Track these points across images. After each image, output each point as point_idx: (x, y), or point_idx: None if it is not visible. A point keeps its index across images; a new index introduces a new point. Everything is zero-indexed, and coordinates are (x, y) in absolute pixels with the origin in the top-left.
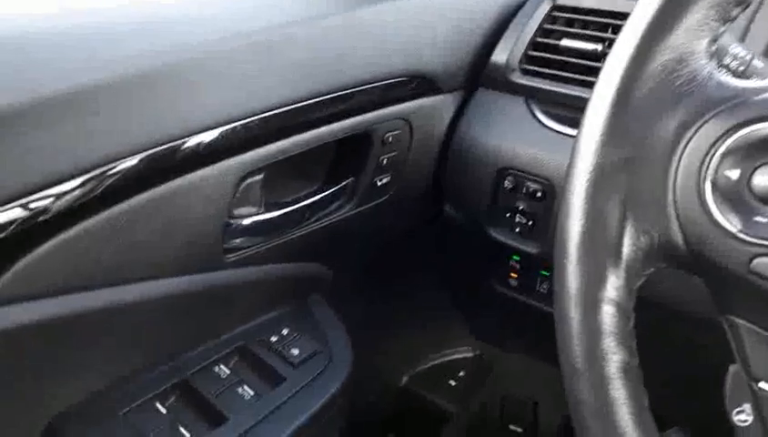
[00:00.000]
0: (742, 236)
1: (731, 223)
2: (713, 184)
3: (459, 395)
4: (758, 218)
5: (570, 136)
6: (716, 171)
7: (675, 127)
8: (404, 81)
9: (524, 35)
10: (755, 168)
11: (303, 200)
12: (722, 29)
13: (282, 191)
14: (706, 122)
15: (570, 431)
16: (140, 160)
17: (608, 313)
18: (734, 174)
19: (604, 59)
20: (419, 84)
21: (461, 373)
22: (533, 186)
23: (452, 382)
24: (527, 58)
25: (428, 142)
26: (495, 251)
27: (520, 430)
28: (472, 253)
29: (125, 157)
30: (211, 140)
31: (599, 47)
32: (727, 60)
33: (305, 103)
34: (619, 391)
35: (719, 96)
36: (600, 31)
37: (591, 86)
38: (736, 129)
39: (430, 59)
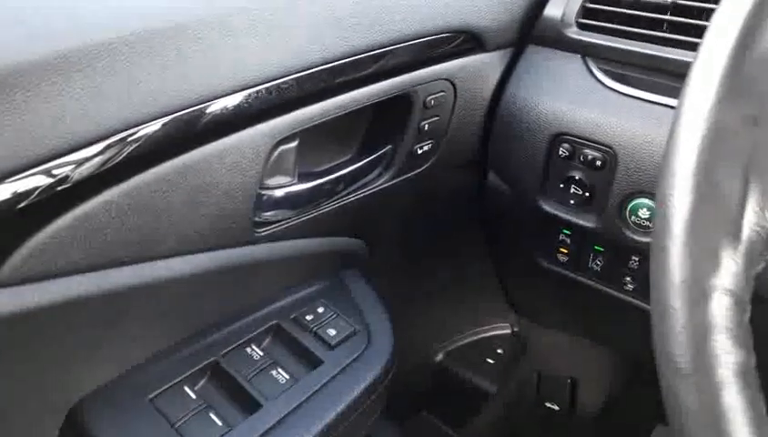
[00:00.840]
0: None
1: None
2: None
3: (496, 374)
4: None
5: (635, 97)
6: None
7: None
8: (448, 37)
9: None
10: None
11: (338, 170)
12: None
13: (316, 160)
14: None
15: (609, 411)
16: (164, 125)
17: (721, 305)
18: None
19: (674, 11)
20: (463, 40)
21: (499, 351)
22: (592, 153)
23: (490, 360)
24: (584, 11)
25: (473, 105)
26: (543, 224)
27: (556, 408)
28: (518, 226)
29: (147, 122)
30: (241, 103)
31: None
32: None
33: (342, 61)
34: (734, 398)
35: None
36: None
37: (657, 41)
38: None
39: (477, 13)
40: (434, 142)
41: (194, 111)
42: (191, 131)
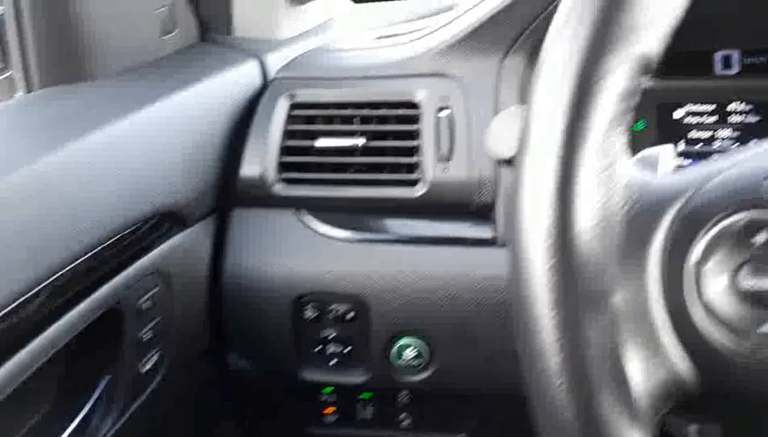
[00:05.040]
0: None
1: None
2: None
3: None
4: None
5: (363, 240)
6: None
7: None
8: (141, 225)
9: (271, 141)
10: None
11: None
12: None
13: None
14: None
15: None
16: None
17: None
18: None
19: (369, 153)
20: (158, 223)
21: None
22: (341, 307)
23: None
24: (282, 166)
25: (192, 291)
26: (303, 392)
27: None
28: (275, 405)
29: None
30: None
31: (359, 142)
32: None
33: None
34: None
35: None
36: (349, 124)
37: (364, 184)
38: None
39: (166, 189)
40: (160, 350)
41: None
42: None
